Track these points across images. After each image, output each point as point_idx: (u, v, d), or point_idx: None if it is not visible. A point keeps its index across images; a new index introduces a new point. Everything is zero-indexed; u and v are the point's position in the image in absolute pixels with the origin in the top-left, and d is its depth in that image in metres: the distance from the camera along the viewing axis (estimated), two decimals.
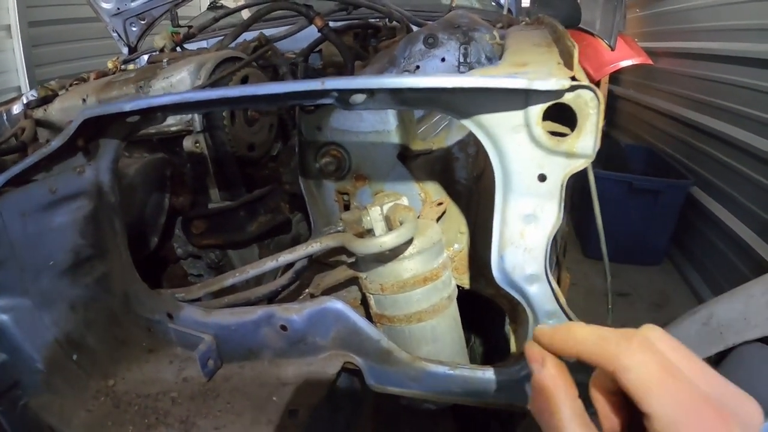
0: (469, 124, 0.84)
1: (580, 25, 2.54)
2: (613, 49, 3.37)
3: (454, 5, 2.31)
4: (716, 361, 1.64)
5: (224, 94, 0.84)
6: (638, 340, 0.44)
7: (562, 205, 0.84)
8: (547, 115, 0.82)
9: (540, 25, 1.70)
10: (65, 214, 1.08)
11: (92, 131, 1.04)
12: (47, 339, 1.08)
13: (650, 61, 4.37)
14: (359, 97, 0.84)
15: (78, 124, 0.96)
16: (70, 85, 2.09)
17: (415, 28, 2.03)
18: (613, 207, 3.67)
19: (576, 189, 3.71)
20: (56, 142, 0.99)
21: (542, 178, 0.83)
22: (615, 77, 5.28)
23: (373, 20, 2.25)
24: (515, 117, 0.80)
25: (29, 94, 2.33)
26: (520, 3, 3.08)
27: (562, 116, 0.82)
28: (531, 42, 1.17)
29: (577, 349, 0.47)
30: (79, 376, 1.11)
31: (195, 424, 0.98)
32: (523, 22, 1.82)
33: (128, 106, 0.90)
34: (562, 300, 0.90)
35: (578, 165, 0.81)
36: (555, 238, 1.62)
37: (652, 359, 0.42)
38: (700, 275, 3.51)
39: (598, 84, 5.14)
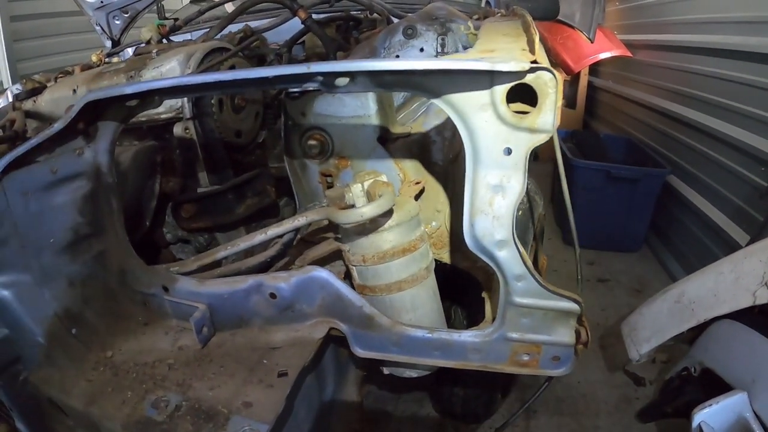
0: (440, 103, 0.91)
1: (561, 18, 2.63)
2: (592, 42, 3.46)
3: None
4: (690, 339, 1.73)
5: (219, 78, 0.91)
6: None
7: (526, 175, 0.92)
8: (516, 97, 0.90)
9: (514, 16, 1.78)
10: (65, 194, 1.14)
11: (92, 115, 1.10)
12: (47, 314, 1.13)
13: (629, 53, 4.47)
14: (342, 81, 0.91)
15: (80, 107, 1.02)
16: (56, 78, 2.13)
17: (395, 20, 2.10)
18: (593, 196, 3.77)
19: (557, 178, 3.79)
20: (58, 125, 1.04)
21: (508, 151, 0.91)
22: (594, 69, 5.38)
23: (354, 12, 2.32)
24: (482, 96, 0.88)
25: (14, 88, 2.37)
26: None
27: (528, 97, 0.90)
28: (501, 32, 1.25)
29: None
30: (79, 348, 1.16)
31: (191, 386, 1.04)
32: (499, 14, 1.89)
33: (129, 89, 0.97)
34: (529, 263, 0.99)
35: (540, 139, 0.90)
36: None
37: None
38: (677, 260, 3.61)
39: (578, 75, 5.24)
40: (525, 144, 0.90)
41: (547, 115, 0.87)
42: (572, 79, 5.37)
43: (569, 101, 5.54)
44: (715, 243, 3.10)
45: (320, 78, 0.90)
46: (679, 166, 3.64)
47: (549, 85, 0.86)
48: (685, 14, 3.68)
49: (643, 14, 4.47)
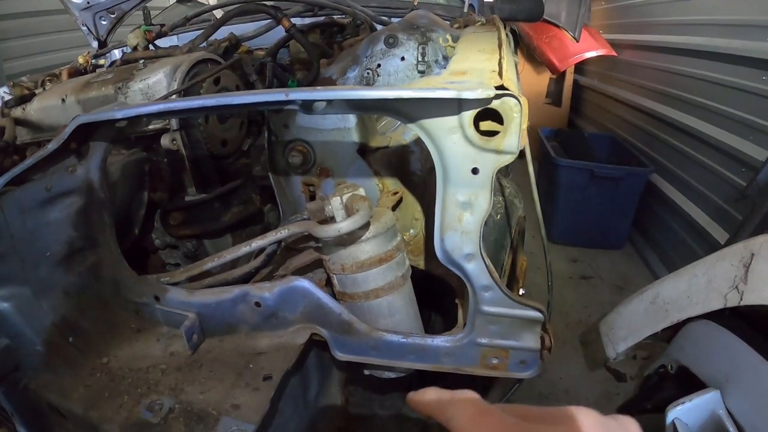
0: (413, 126, 0.98)
1: (547, 17, 2.69)
2: (577, 41, 3.53)
3: (416, 3, 2.43)
4: (668, 337, 1.81)
5: (203, 104, 0.97)
6: (463, 397, 0.52)
7: (492, 193, 0.99)
8: (487, 116, 0.96)
9: (493, 26, 1.84)
10: (59, 210, 1.19)
11: (84, 135, 1.16)
12: (45, 323, 1.19)
13: (614, 53, 4.54)
14: (320, 105, 0.97)
15: (72, 130, 1.07)
16: (43, 82, 2.16)
17: (378, 27, 2.15)
18: (577, 194, 3.86)
19: (541, 178, 3.87)
20: (52, 145, 1.10)
21: (475, 171, 0.97)
22: (580, 67, 5.46)
23: (338, 17, 2.37)
24: (451, 121, 0.94)
25: (1, 92, 2.39)
26: None
27: (498, 116, 0.96)
28: (476, 48, 1.31)
29: (428, 408, 0.54)
30: (76, 356, 1.22)
31: (183, 390, 1.11)
32: (479, 23, 1.95)
33: (120, 114, 1.02)
34: (495, 275, 1.06)
35: (505, 160, 0.96)
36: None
37: (470, 406, 0.50)
38: (660, 258, 3.70)
39: (563, 74, 5.31)
40: (491, 164, 0.96)
41: (512, 138, 0.93)
42: (558, 78, 5.45)
43: (555, 99, 5.62)
44: (695, 240, 3.19)
45: (299, 102, 0.96)
46: (662, 165, 3.73)
47: (514, 110, 0.92)
48: (669, 15, 3.76)
49: (629, 14, 4.54)
